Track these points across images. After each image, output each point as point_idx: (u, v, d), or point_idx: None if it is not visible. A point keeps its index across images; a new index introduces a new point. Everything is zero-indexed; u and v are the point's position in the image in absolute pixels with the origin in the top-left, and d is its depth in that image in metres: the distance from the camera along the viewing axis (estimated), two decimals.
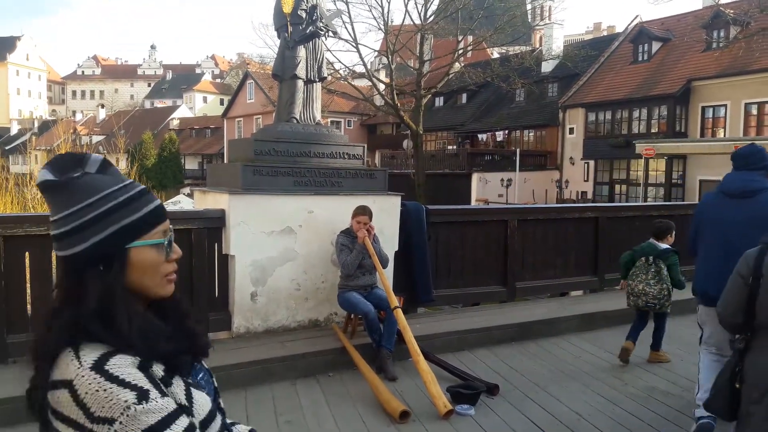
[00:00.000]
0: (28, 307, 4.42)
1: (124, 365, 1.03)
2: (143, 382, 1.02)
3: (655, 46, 28.59)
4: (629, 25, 32.09)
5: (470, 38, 27.33)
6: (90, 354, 1.04)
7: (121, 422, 0.98)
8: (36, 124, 73.05)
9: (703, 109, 25.17)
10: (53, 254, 3.94)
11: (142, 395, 1.01)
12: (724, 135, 23.98)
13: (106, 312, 1.07)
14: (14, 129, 74.86)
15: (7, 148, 61.52)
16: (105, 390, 0.99)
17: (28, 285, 4.42)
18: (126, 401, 0.99)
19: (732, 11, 24.00)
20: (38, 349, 1.09)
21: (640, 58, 28.98)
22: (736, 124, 23.84)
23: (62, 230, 1.11)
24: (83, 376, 1.01)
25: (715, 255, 3.51)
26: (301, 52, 5.70)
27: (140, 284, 1.14)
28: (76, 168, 1.13)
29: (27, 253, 4.40)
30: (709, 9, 26.77)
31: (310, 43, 5.77)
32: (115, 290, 1.10)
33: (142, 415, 0.99)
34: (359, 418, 3.92)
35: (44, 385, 1.06)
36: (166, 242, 1.16)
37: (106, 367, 1.02)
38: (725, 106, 24.29)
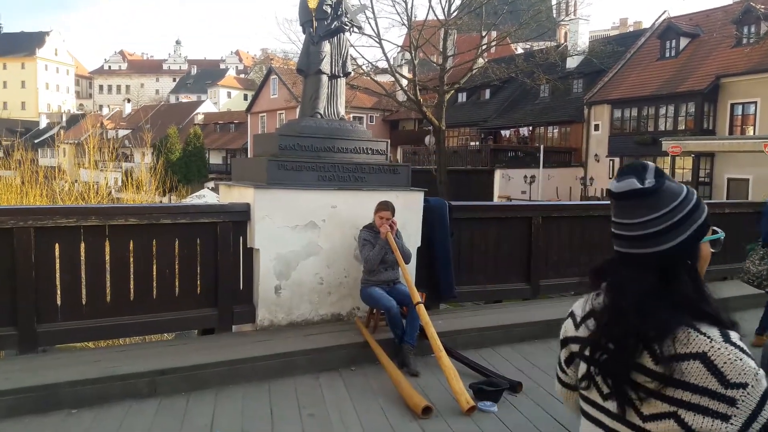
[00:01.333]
0: (58, 297, 4.51)
1: (738, 337, 1.20)
2: (749, 349, 1.19)
3: (683, 41, 28.08)
4: (656, 20, 31.56)
5: (494, 33, 27.12)
6: (711, 330, 1.19)
7: (752, 386, 1.14)
8: (64, 118, 74.43)
9: (732, 106, 24.68)
10: (82, 246, 3.97)
11: (755, 362, 1.17)
12: (754, 133, 23.48)
13: (702, 296, 1.25)
14: (43, 123, 76.29)
15: (36, 141, 62.73)
16: (740, 360, 1.15)
17: (57, 276, 4.51)
18: (753, 368, 1.16)
19: (763, 6, 23.49)
20: (648, 332, 1.20)
21: (667, 54, 28.49)
22: (767, 121, 23.33)
23: (653, 230, 1.27)
24: (719, 349, 1.16)
25: None
26: (326, 47, 5.71)
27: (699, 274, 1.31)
28: (644, 175, 1.30)
29: (57, 245, 4.48)
30: (739, 4, 26.23)
31: (335, 38, 5.78)
32: (699, 278, 1.29)
33: (763, 379, 1.16)
34: (382, 412, 3.93)
35: (669, 359, 1.17)
36: (722, 237, 1.34)
37: (733, 340, 1.18)
38: (755, 103, 23.78)
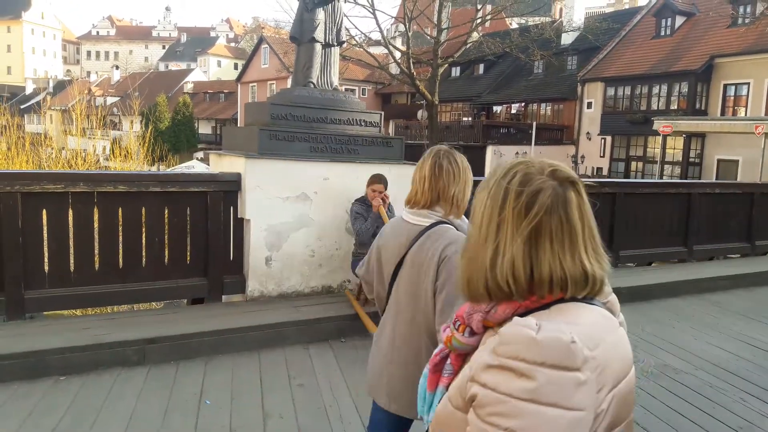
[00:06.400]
0: (46, 263, 4.46)
1: None
2: None
3: (679, 20, 27.92)
4: None
5: (489, 7, 26.80)
6: None
7: None
8: (51, 84, 73.06)
9: (725, 86, 24.66)
10: (70, 213, 3.92)
11: None
12: (746, 114, 23.53)
13: None
14: (29, 88, 74.93)
15: (22, 107, 61.69)
16: None
17: (45, 242, 4.45)
18: None
19: None
20: None
21: (662, 33, 28.34)
22: (759, 103, 23.36)
23: None
24: None
25: None
26: (320, 14, 5.60)
27: None
28: None
29: (44, 211, 4.42)
30: None
31: (329, 5, 5.67)
32: None
33: None
34: None
35: None
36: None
37: None
38: (748, 84, 23.78)
